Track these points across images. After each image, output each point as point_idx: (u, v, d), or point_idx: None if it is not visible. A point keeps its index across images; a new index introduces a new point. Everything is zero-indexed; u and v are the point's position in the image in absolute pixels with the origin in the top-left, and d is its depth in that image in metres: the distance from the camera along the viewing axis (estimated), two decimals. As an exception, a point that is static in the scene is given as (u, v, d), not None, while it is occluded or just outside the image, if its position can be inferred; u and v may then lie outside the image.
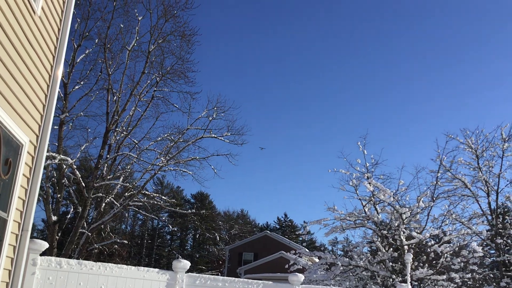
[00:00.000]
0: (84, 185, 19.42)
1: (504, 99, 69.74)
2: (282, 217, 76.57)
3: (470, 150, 20.52)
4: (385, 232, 17.55)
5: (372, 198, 18.27)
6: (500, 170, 20.11)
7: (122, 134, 20.77)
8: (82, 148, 20.33)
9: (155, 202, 22.88)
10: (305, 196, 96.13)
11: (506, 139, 20.20)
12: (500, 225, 19.44)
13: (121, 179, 21.20)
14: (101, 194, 20.44)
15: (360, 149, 19.26)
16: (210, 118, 22.14)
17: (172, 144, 21.58)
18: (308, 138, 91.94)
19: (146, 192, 21.94)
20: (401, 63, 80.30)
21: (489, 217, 19.95)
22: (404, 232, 17.29)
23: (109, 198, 20.72)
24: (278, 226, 75.60)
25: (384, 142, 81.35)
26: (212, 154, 22.21)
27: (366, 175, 18.77)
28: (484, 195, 20.13)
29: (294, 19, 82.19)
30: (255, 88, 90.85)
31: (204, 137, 22.18)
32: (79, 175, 19.37)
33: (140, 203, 21.70)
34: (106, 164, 20.22)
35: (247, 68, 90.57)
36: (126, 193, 21.30)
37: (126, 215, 51.45)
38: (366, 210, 18.59)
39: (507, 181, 20.15)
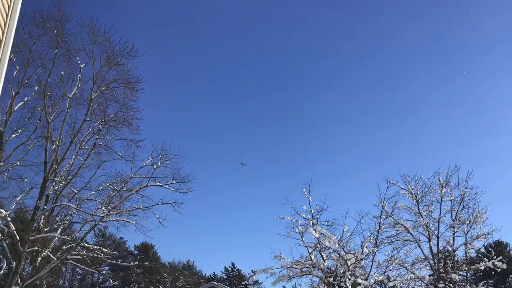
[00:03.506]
0: (18, 238, 18.36)
1: (439, 145, 73.32)
2: (229, 266, 75.06)
3: (410, 195, 21.07)
4: (331, 279, 17.47)
5: (318, 245, 18.25)
6: (440, 215, 20.71)
7: (61, 184, 19.98)
8: (17, 199, 19.42)
9: (96, 255, 21.87)
10: (252, 244, 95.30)
11: (444, 184, 20.94)
12: (442, 270, 19.81)
13: (59, 232, 20.24)
14: (37, 248, 19.37)
15: (305, 195, 19.33)
16: (155, 166, 21.80)
17: (114, 194, 20.94)
18: (254, 185, 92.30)
19: (86, 245, 21.02)
20: (340, 113, 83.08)
21: (431, 262, 20.33)
22: (350, 279, 17.26)
23: (46, 251, 19.66)
24: (225, 276, 73.85)
25: (329, 188, 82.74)
26: (156, 203, 21.76)
27: (311, 221, 18.79)
28: (426, 239, 20.57)
29: (240, 64, 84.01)
30: (202, 135, 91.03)
31: (149, 185, 21.75)
32: (14, 228, 18.34)
33: (79, 257, 20.70)
34: (43, 216, 19.32)
35: (193, 115, 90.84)
36: (64, 246, 20.31)
37: (64, 269, 48.83)
38: (313, 257, 18.51)
39: (447, 225, 20.72)
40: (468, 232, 20.37)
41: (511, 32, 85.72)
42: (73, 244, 19.93)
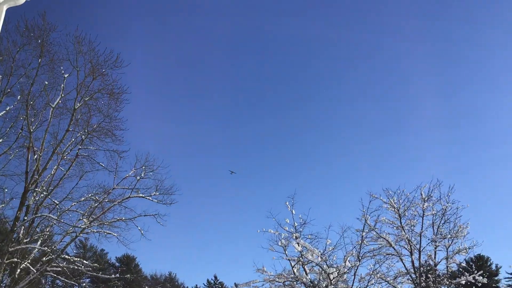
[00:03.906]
0: (-3, 249, 18.02)
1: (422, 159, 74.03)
2: (212, 279, 74.46)
3: (393, 209, 21.22)
4: (313, 293, 17.46)
5: (301, 258, 18.25)
6: (421, 229, 20.88)
7: (42, 195, 19.70)
8: (-3, 210, 19.04)
9: (76, 267, 21.52)
10: (235, 257, 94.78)
11: (426, 199, 21.16)
12: (424, 284, 19.92)
13: (39, 243, 19.90)
14: (16, 259, 18.98)
15: (289, 208, 19.37)
16: (138, 178, 21.61)
17: (96, 205, 20.68)
18: (238, 198, 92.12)
19: (66, 257, 20.68)
20: (323, 126, 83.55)
21: (413, 276, 20.43)
22: (332, 293, 17.28)
23: (25, 263, 19.27)
24: (208, 289, 73.28)
25: (312, 202, 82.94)
26: (139, 214, 21.49)
27: (294, 235, 18.80)
28: (408, 253, 20.69)
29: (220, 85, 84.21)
30: (187, 146, 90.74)
31: (131, 197, 21.53)
32: (-8, 239, 18.01)
33: (59, 268, 20.33)
34: (23, 227, 18.98)
35: (177, 127, 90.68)
36: (44, 258, 19.95)
37: (44, 281, 47.94)
38: (295, 270, 18.50)
39: (428, 239, 20.89)
40: (449, 246, 20.57)
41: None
42: (53, 256, 19.59)
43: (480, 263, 53.81)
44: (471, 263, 50.78)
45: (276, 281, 18.09)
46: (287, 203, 19.44)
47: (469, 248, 20.39)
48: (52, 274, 21.88)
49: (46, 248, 20.22)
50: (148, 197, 21.65)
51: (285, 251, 18.67)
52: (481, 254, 53.97)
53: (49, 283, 54.38)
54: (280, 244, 18.76)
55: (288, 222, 19.23)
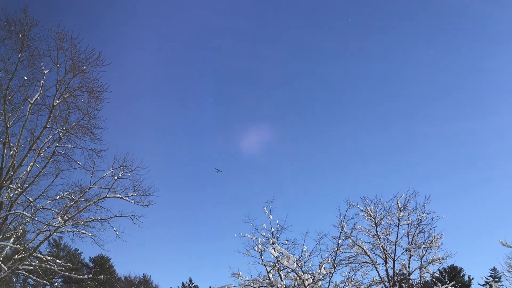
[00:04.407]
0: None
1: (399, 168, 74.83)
2: (187, 282, 74.08)
3: (369, 217, 21.41)
4: (288, 299, 17.47)
5: (277, 264, 18.25)
6: (397, 238, 21.10)
7: (17, 191, 19.37)
8: (-31, 206, 18.63)
9: (49, 266, 21.17)
10: (211, 261, 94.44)
11: (402, 208, 21.40)
12: (397, 292, 20.13)
13: (11, 240, 19.56)
14: (-14, 257, 18.65)
15: (266, 214, 19.35)
16: (116, 177, 21.37)
17: (71, 204, 20.41)
18: (215, 201, 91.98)
19: (39, 255, 20.33)
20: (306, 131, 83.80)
21: (387, 284, 20.61)
22: (306, 299, 17.31)
23: (-4, 261, 18.91)
24: (182, 292, 72.82)
25: (289, 208, 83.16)
26: (115, 215, 21.24)
27: (271, 240, 18.80)
28: (382, 262, 20.88)
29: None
30: (165, 147, 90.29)
31: (108, 197, 21.29)
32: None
33: (31, 267, 20.00)
34: (-5, 224, 18.60)
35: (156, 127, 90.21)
36: (16, 256, 19.60)
37: (15, 280, 47.13)
38: (271, 276, 18.48)
39: (403, 249, 21.11)
40: (423, 256, 20.83)
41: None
42: (25, 254, 19.24)
43: (453, 273, 54.62)
44: (444, 274, 51.49)
45: (251, 286, 18.03)
46: (265, 208, 19.45)
47: (443, 259, 20.67)
48: (24, 272, 21.50)
49: (19, 246, 19.85)
50: (125, 198, 21.43)
51: (261, 256, 18.63)
52: (454, 265, 54.83)
53: (21, 281, 53.56)
54: (256, 249, 18.72)
55: (265, 227, 19.24)
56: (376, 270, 20.84)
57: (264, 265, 18.58)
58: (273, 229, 19.07)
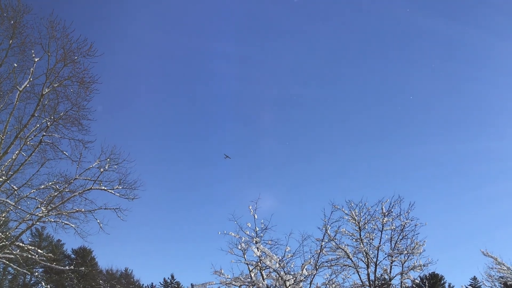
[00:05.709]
0: None
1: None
2: (168, 278, 73.93)
3: (354, 221, 21.50)
4: (268, 298, 17.50)
5: (259, 263, 18.26)
6: (379, 243, 21.21)
7: (1, 179, 19.19)
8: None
9: (30, 255, 21.01)
10: (194, 258, 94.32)
11: (386, 213, 21.52)
12: (377, 297, 20.25)
13: (-7, 228, 19.37)
14: (-33, 244, 18.46)
15: (251, 212, 19.36)
16: (102, 170, 21.29)
17: (56, 194, 20.29)
18: (200, 197, 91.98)
19: (20, 244, 20.17)
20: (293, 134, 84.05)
21: (368, 288, 20.74)
22: (287, 300, 17.35)
23: (-24, 248, 18.75)
24: (163, 288, 72.68)
25: (275, 207, 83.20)
26: (99, 207, 21.23)
27: (255, 239, 18.82)
28: (364, 266, 20.97)
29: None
30: (154, 145, 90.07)
31: (93, 188, 21.22)
32: None
33: (12, 256, 19.82)
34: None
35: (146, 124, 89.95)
36: (-3, 244, 19.43)
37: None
38: (253, 275, 18.51)
39: (385, 254, 21.22)
40: (405, 262, 20.93)
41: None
42: (7, 242, 19.08)
43: (434, 281, 55.08)
44: (425, 280, 51.82)
45: (233, 285, 18.02)
46: (250, 207, 19.46)
47: (424, 266, 20.77)
48: (4, 261, 21.28)
49: (0, 234, 19.69)
50: (110, 191, 21.37)
51: (244, 255, 18.65)
52: (435, 273, 55.28)
53: (1, 270, 52.93)
54: (239, 247, 18.72)
55: (249, 226, 19.26)
56: (358, 274, 20.94)
57: (247, 264, 18.59)
58: (257, 229, 19.12)
